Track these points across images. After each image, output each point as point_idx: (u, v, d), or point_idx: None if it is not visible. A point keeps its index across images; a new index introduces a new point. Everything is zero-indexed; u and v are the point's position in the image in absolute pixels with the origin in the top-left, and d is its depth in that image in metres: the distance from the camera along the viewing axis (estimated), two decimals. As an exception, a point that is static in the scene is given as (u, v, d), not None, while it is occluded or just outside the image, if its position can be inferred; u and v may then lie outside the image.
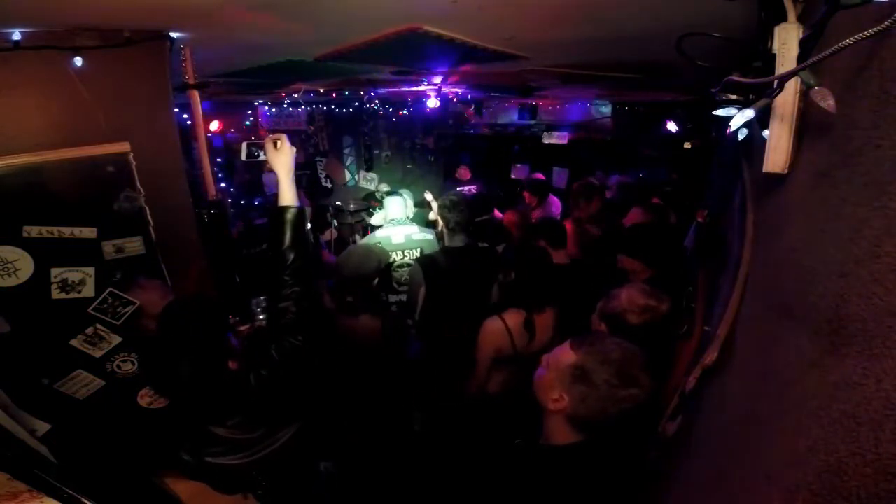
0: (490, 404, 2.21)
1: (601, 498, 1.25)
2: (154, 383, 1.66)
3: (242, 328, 2.10)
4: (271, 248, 1.60)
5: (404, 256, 3.18)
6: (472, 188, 5.59)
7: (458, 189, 5.17)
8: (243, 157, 1.79)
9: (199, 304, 1.63)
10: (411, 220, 3.46)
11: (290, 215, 1.59)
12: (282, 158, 1.65)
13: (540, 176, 5.69)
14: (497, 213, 4.80)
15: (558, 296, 2.31)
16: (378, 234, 3.28)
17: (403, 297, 2.98)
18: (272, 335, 1.54)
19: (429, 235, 3.26)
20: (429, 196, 3.95)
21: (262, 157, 1.72)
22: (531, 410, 1.38)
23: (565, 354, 1.31)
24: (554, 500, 1.23)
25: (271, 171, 1.67)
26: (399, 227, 3.31)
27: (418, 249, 3.19)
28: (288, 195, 1.62)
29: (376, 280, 2.51)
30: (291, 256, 1.56)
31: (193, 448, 1.55)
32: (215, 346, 1.48)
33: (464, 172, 5.98)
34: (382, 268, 2.56)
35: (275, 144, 1.67)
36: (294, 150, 1.70)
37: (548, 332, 2.21)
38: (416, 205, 4.02)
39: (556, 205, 5.03)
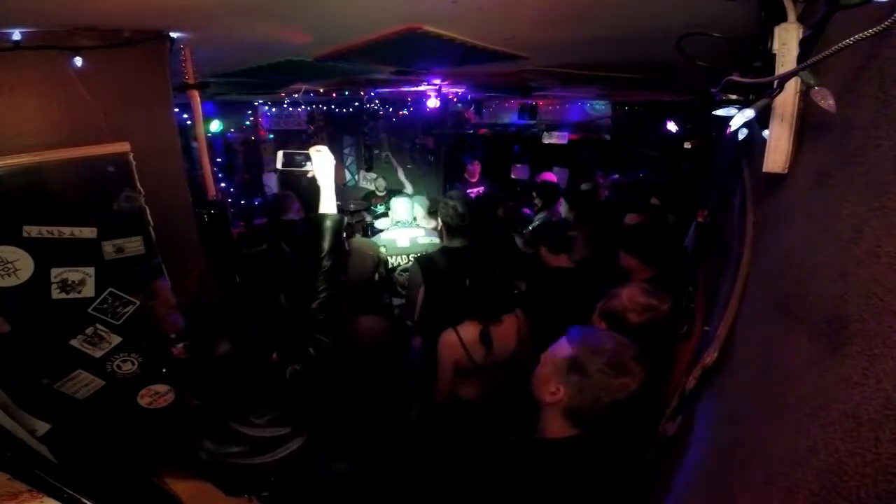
0: (471, 409, 2.19)
1: (598, 491, 1.25)
2: (169, 367, 1.66)
3: None
4: (311, 252, 1.68)
5: (409, 261, 3.12)
6: (480, 190, 5.56)
7: (467, 191, 5.17)
8: (279, 165, 1.85)
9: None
10: (416, 222, 3.45)
11: (330, 222, 1.69)
12: (325, 168, 1.76)
13: (551, 177, 5.59)
14: None
15: (520, 304, 2.30)
16: (383, 237, 3.25)
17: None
18: (306, 334, 1.59)
19: (435, 239, 3.21)
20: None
21: (306, 167, 1.80)
22: (518, 412, 1.39)
23: (561, 348, 1.34)
24: (550, 492, 1.23)
25: (272, 171, 1.72)
26: (405, 229, 3.26)
27: (425, 252, 3.16)
28: (328, 203, 1.73)
29: (377, 276, 2.53)
30: (328, 263, 1.65)
31: (215, 446, 1.53)
32: (256, 331, 1.51)
33: (472, 170, 5.91)
34: (378, 262, 2.57)
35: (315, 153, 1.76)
36: (333, 160, 1.79)
37: (509, 341, 2.17)
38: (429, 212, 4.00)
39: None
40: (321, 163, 1.76)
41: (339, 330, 1.66)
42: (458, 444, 2.06)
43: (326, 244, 1.66)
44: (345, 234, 3.93)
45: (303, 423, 1.65)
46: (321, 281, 1.63)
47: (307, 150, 1.80)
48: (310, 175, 1.78)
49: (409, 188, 5.87)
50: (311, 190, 1.84)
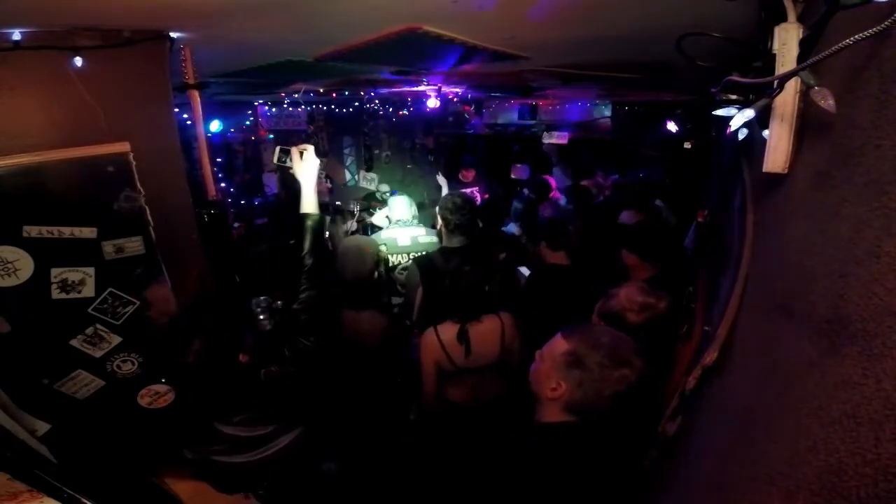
0: (461, 411, 2.18)
1: (595, 483, 1.26)
2: (167, 367, 1.68)
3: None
4: (293, 252, 1.68)
5: (409, 260, 3.10)
6: (475, 190, 5.57)
7: (460, 191, 5.18)
8: (274, 160, 1.88)
9: (215, 294, 1.68)
10: (416, 220, 3.44)
11: (310, 222, 1.70)
12: (306, 168, 1.74)
13: (550, 179, 5.68)
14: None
15: (537, 300, 2.29)
16: (383, 235, 3.22)
17: None
18: (285, 335, 1.57)
19: (434, 238, 3.18)
20: (441, 180, 3.93)
21: (287, 163, 1.82)
22: (511, 414, 1.40)
23: (558, 344, 1.35)
24: (548, 479, 1.24)
25: (272, 171, 1.74)
26: (405, 228, 3.23)
27: (423, 253, 3.12)
28: (309, 203, 1.72)
29: (376, 273, 2.53)
30: (310, 262, 1.66)
31: (198, 445, 1.55)
32: (228, 333, 1.51)
33: (467, 174, 5.94)
34: (378, 259, 2.57)
35: (301, 154, 1.76)
36: (318, 161, 1.79)
37: (492, 343, 2.13)
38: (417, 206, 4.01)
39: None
40: (300, 163, 1.75)
41: (324, 330, 1.66)
42: (455, 442, 2.05)
43: (307, 244, 1.67)
44: (346, 234, 3.92)
45: (288, 422, 1.65)
46: (303, 281, 1.65)
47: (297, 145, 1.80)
48: (291, 171, 1.79)
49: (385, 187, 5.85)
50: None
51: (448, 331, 2.11)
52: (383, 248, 3.08)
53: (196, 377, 1.48)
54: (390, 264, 3.13)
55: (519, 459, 1.30)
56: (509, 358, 2.17)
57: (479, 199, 5.39)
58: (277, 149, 1.86)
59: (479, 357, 2.11)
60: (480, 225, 4.26)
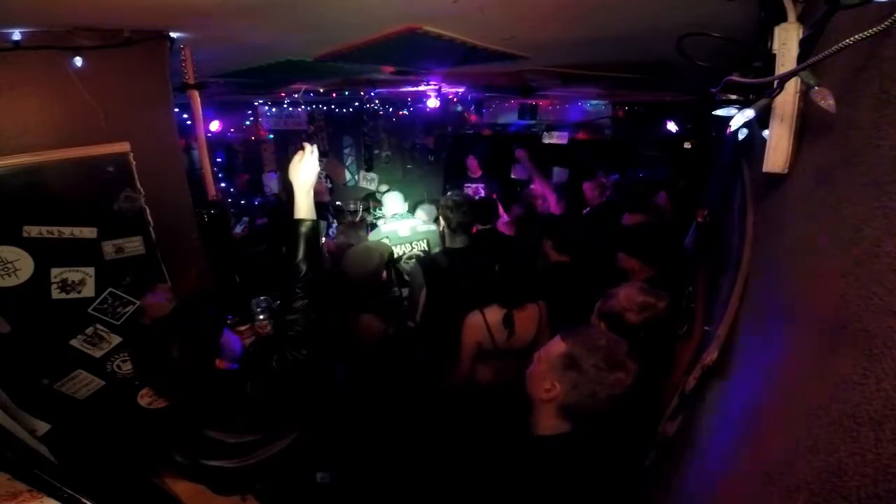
0: (480, 394, 2.27)
1: (594, 489, 1.26)
2: (146, 372, 1.62)
3: (242, 328, 2.10)
4: (286, 259, 1.63)
5: (412, 248, 3.24)
6: (480, 187, 5.56)
7: (466, 187, 5.18)
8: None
9: (194, 298, 1.64)
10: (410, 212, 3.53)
11: (304, 228, 1.60)
12: (300, 170, 1.64)
13: (536, 188, 5.68)
14: (504, 215, 4.79)
15: (543, 294, 2.36)
16: (384, 230, 3.32)
17: None
18: (277, 346, 1.54)
19: (432, 226, 3.33)
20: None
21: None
22: (521, 404, 1.40)
23: (556, 345, 1.36)
24: (546, 489, 1.24)
25: (271, 171, 1.70)
26: (403, 220, 3.37)
27: (424, 241, 3.25)
28: (303, 208, 1.63)
29: (384, 274, 2.52)
30: (304, 269, 1.58)
31: (187, 450, 1.53)
32: (206, 339, 1.48)
33: (474, 168, 5.91)
34: (386, 261, 2.57)
35: (295, 154, 1.67)
36: (317, 165, 1.69)
37: (530, 328, 2.27)
38: (412, 207, 4.05)
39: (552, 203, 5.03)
40: (295, 164, 1.65)
41: (319, 341, 1.59)
42: (460, 441, 2.05)
43: (301, 251, 1.58)
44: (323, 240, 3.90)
45: (275, 431, 1.62)
46: (297, 290, 1.57)
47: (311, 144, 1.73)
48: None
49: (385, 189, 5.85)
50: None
51: (494, 314, 2.23)
52: (386, 240, 3.13)
53: (176, 382, 1.44)
54: (395, 255, 3.19)
55: (516, 474, 1.30)
56: (540, 343, 2.24)
57: (482, 194, 5.39)
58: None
59: (517, 340, 2.23)
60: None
